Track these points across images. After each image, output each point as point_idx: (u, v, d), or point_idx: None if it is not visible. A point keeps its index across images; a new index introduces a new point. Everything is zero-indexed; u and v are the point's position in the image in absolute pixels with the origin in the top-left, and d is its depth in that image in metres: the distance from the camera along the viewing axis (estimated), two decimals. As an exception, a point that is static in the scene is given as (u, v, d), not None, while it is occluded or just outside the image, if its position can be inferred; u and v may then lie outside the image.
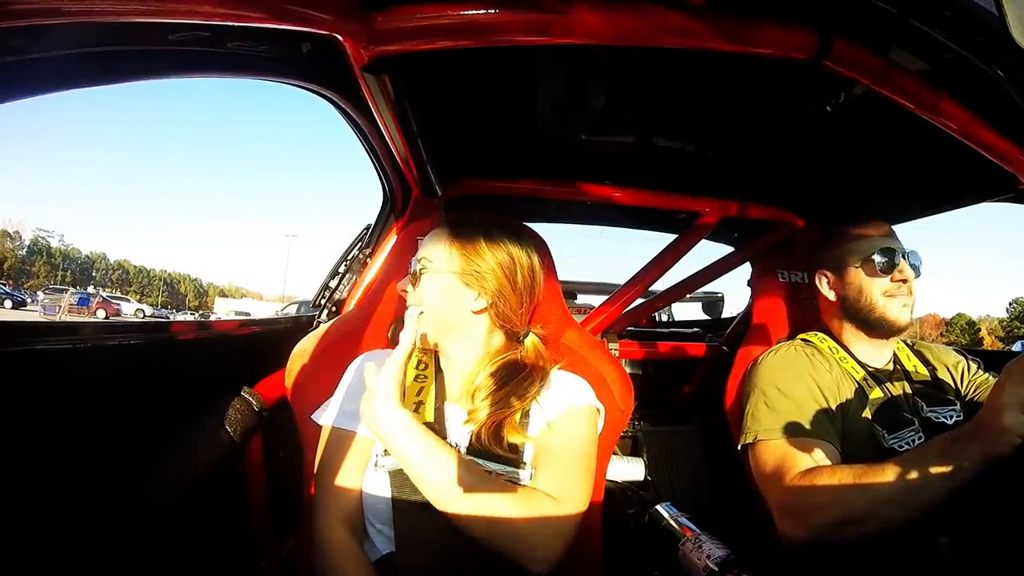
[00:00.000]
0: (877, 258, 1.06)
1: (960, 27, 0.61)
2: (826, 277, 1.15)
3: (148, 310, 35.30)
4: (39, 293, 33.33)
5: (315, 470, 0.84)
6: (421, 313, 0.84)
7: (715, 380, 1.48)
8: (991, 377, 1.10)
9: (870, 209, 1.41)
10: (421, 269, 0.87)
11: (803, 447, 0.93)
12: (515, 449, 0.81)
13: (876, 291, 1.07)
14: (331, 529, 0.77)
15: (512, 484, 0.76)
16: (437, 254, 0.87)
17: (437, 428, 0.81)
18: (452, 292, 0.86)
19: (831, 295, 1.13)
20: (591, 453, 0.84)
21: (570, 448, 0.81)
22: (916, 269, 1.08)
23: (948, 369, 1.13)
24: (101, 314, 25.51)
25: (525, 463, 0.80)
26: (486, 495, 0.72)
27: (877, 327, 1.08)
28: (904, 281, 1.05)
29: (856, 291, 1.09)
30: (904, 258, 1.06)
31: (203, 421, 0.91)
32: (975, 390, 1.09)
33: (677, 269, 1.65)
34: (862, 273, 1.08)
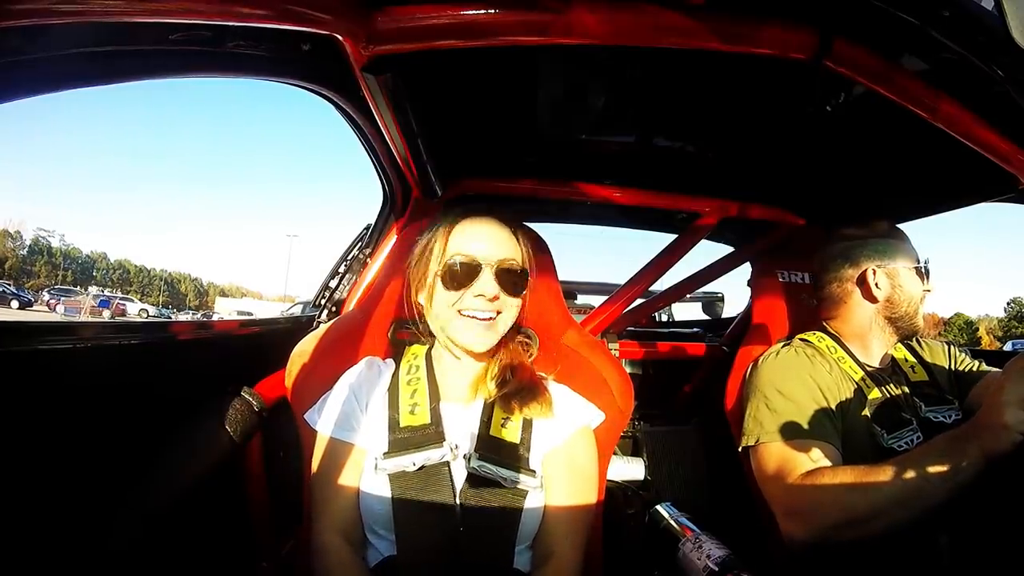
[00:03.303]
0: (924, 265, 1.08)
1: (960, 27, 0.61)
2: (875, 274, 1.09)
3: (152, 310, 35.55)
4: (44, 293, 33.49)
5: (311, 477, 0.84)
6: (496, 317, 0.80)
7: (715, 380, 1.48)
8: (980, 363, 1.12)
9: (870, 209, 1.41)
10: (526, 279, 0.82)
11: (805, 448, 0.93)
12: (520, 455, 0.81)
13: (919, 296, 1.08)
14: (327, 536, 0.77)
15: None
16: (518, 256, 0.82)
17: (435, 430, 0.81)
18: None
19: (879, 293, 1.08)
20: (595, 475, 0.88)
21: (579, 479, 0.84)
22: None
23: (945, 360, 1.14)
24: (107, 314, 25.68)
25: (533, 470, 0.80)
26: None
27: (908, 330, 1.09)
28: (929, 290, 1.09)
29: (906, 293, 1.07)
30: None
31: (203, 421, 0.91)
32: (966, 375, 1.11)
33: (677, 269, 1.65)
34: (912, 276, 1.08)
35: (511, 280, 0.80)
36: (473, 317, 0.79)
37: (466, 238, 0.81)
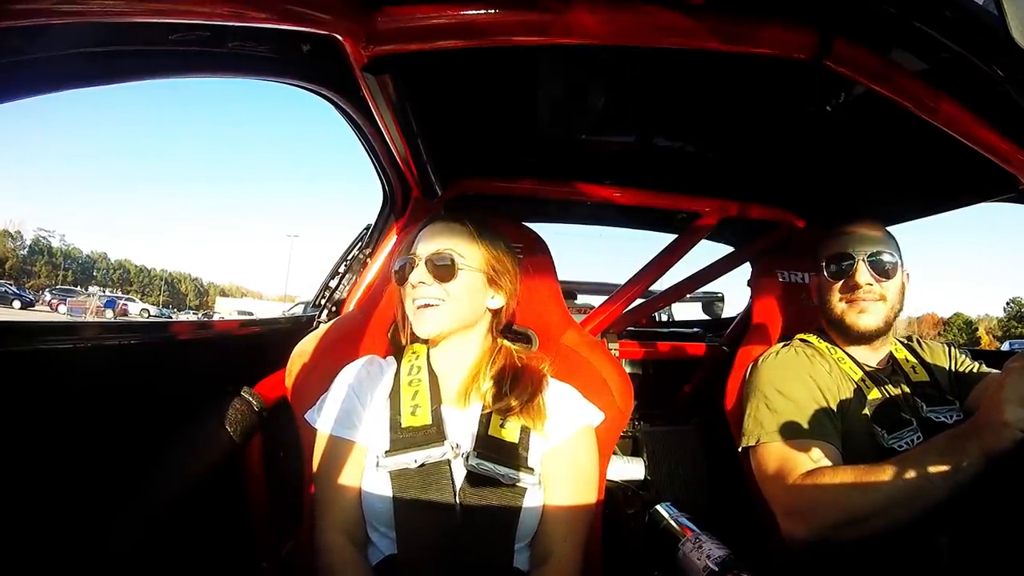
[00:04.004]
0: (825, 264, 1.07)
1: (960, 27, 0.61)
2: (812, 279, 1.16)
3: (153, 310, 35.79)
4: (46, 293, 33.64)
5: (313, 476, 0.84)
6: (441, 305, 0.84)
7: (715, 380, 1.48)
8: (980, 364, 1.11)
9: (870, 209, 1.41)
10: (456, 265, 0.85)
11: (805, 448, 0.92)
12: (519, 453, 0.81)
13: (834, 296, 1.06)
14: (330, 535, 0.77)
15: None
16: (465, 250, 0.86)
17: (436, 431, 0.81)
18: (479, 289, 0.87)
19: (815, 297, 1.14)
20: (596, 475, 0.89)
21: (579, 479, 0.85)
22: (883, 271, 1.02)
23: (946, 361, 1.14)
24: (109, 314, 25.76)
25: (532, 468, 0.81)
26: None
27: (840, 331, 1.08)
28: (856, 287, 1.02)
29: (821, 295, 1.10)
30: (863, 261, 1.02)
31: (203, 421, 0.91)
32: (967, 376, 1.10)
33: (677, 269, 1.65)
34: (824, 277, 1.08)
35: (438, 268, 0.85)
36: (420, 306, 0.85)
37: (419, 240, 0.88)
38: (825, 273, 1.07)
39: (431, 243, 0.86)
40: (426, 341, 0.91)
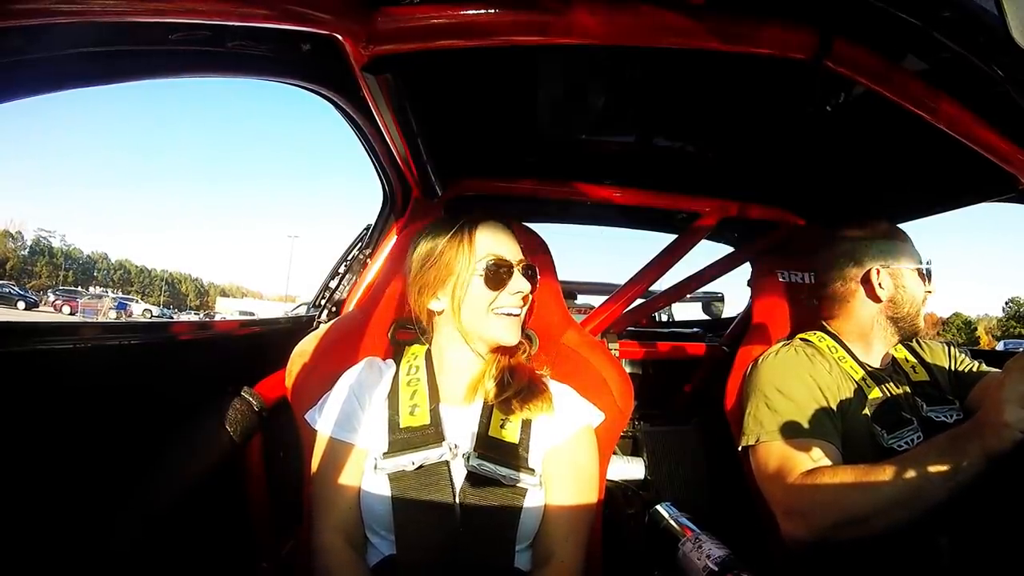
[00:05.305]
0: (926, 267, 1.09)
1: (960, 27, 0.61)
2: (879, 274, 1.09)
3: (155, 310, 36.19)
4: (49, 294, 33.96)
5: (311, 477, 0.84)
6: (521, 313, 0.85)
7: (715, 380, 1.48)
8: (980, 363, 1.12)
9: (870, 209, 1.41)
10: (536, 272, 0.88)
11: (805, 448, 0.93)
12: (520, 453, 0.81)
13: (921, 297, 1.09)
14: (328, 536, 0.77)
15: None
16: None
17: (434, 431, 0.81)
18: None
19: (882, 293, 1.09)
20: (596, 475, 0.89)
21: (580, 479, 0.84)
22: None
23: (945, 360, 1.14)
24: (112, 315, 25.92)
25: (532, 468, 0.81)
26: None
27: (909, 330, 1.10)
28: (931, 291, 1.09)
29: (908, 294, 1.08)
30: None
31: (203, 421, 0.91)
32: (967, 375, 1.11)
33: (677, 269, 1.65)
34: (915, 277, 1.09)
35: (530, 276, 0.86)
36: (508, 314, 0.84)
37: (492, 240, 0.85)
38: (924, 274, 1.10)
39: (515, 247, 0.86)
40: (426, 342, 0.91)
